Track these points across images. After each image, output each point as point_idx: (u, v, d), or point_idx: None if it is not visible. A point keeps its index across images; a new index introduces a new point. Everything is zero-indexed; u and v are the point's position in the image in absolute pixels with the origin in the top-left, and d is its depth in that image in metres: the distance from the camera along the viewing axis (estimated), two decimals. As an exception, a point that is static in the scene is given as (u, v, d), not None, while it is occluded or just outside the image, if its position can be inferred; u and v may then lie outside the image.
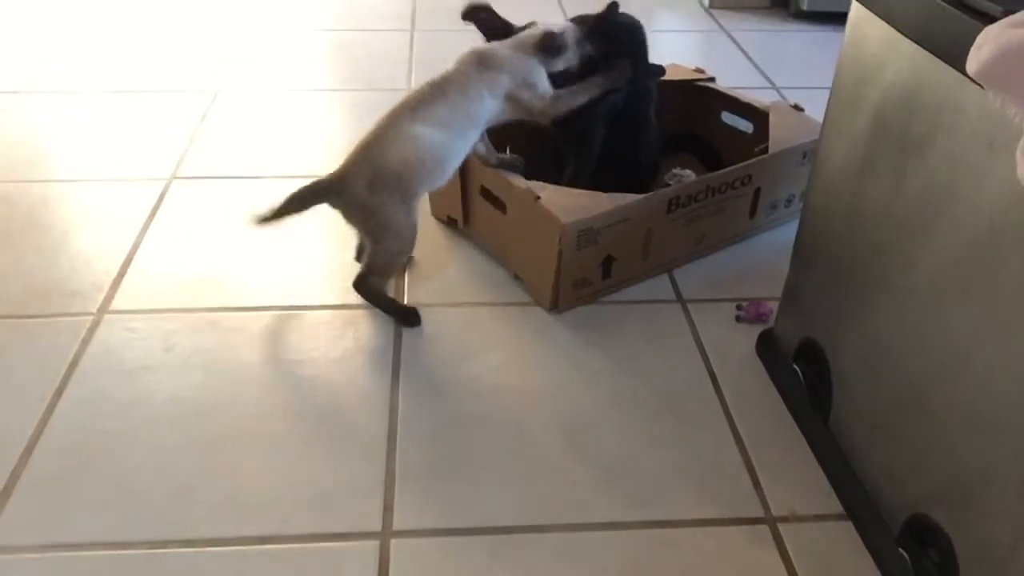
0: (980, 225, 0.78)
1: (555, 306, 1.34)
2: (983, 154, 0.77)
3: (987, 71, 0.68)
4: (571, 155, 1.44)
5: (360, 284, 1.30)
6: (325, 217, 1.45)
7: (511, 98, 1.30)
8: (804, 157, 1.48)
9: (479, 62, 1.30)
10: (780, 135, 1.48)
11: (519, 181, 1.32)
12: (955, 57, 0.77)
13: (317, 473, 1.06)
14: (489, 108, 1.29)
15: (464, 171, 1.43)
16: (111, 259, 1.43)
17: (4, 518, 0.99)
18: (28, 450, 1.08)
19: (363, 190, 1.21)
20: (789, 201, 1.54)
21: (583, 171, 1.42)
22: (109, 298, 1.35)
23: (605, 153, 1.46)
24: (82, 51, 2.30)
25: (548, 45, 1.31)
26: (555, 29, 1.33)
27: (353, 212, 1.25)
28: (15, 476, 1.04)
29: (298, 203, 1.23)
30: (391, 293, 1.36)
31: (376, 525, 1.00)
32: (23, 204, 1.60)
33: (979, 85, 0.70)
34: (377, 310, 1.33)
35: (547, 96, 1.32)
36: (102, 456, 1.08)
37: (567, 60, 1.34)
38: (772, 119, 1.53)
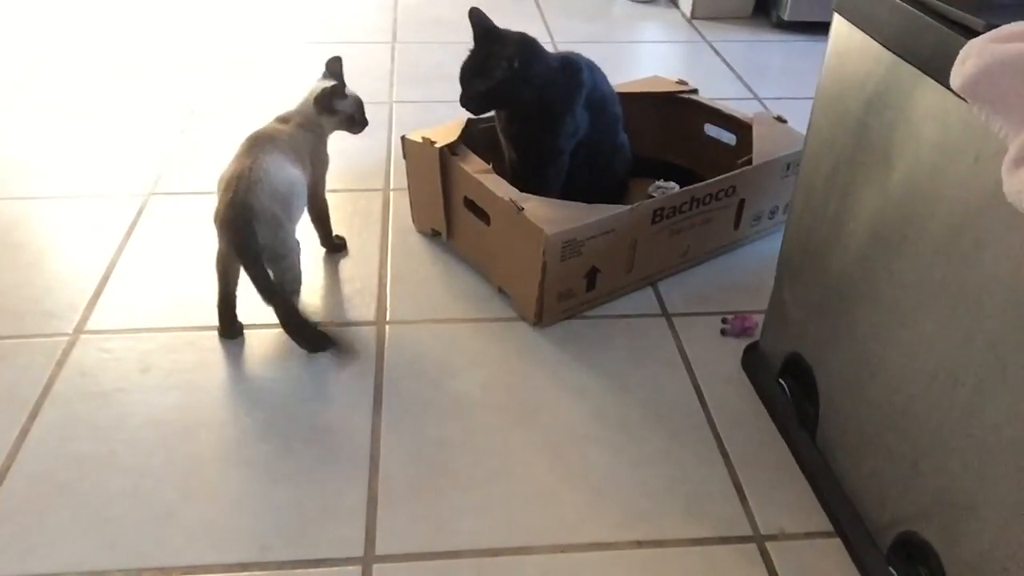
0: (966, 239, 0.77)
1: (539, 319, 1.32)
2: (968, 168, 0.76)
3: (971, 85, 0.68)
4: (531, 181, 1.41)
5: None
6: (305, 234, 1.43)
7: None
8: (788, 168, 1.48)
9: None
10: (763, 147, 1.48)
11: (503, 192, 1.31)
12: (937, 70, 0.76)
13: (298, 497, 1.04)
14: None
15: (447, 182, 1.42)
16: (87, 278, 1.41)
17: (-25, 548, 0.97)
18: (1, 476, 1.05)
19: (268, 201, 1.19)
20: (773, 212, 1.54)
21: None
22: (85, 318, 1.32)
23: (570, 177, 1.45)
24: (59, 67, 2.27)
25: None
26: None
27: (261, 229, 1.18)
28: (-13, 503, 1.02)
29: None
30: (374, 312, 1.35)
31: (358, 550, 0.98)
32: (-3, 222, 1.57)
33: (963, 99, 0.70)
34: (361, 331, 1.31)
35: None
36: (77, 481, 1.05)
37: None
38: (755, 131, 1.53)
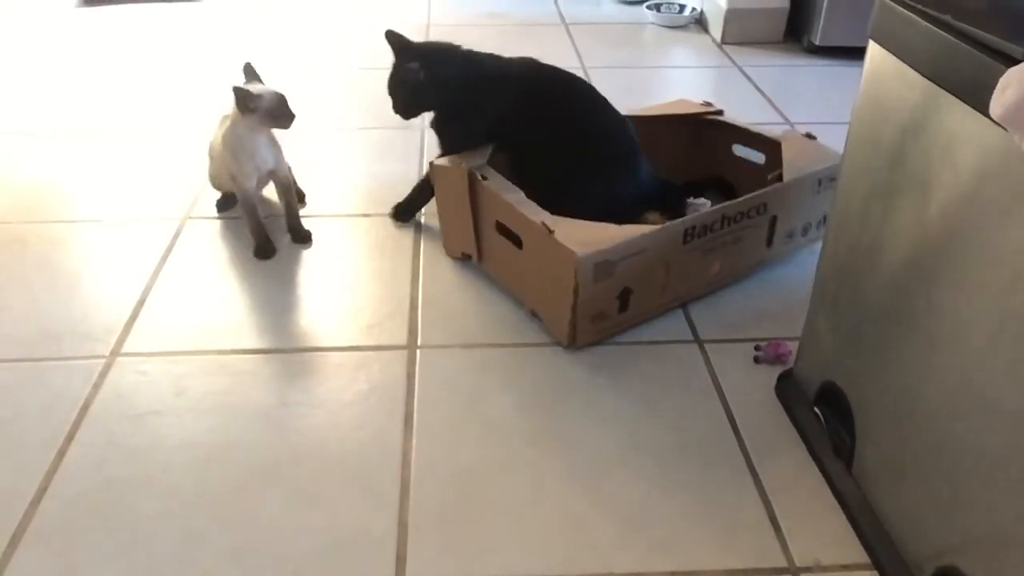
0: (1004, 268, 0.76)
1: (573, 341, 1.32)
2: (1006, 196, 0.75)
3: (1012, 114, 0.67)
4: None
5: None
6: (337, 258, 1.45)
7: None
8: (820, 185, 1.47)
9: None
10: (794, 163, 1.47)
11: (534, 215, 1.31)
12: (974, 96, 0.76)
13: (329, 521, 1.04)
14: None
15: (476, 206, 1.43)
16: (124, 301, 1.43)
17: (12, 568, 0.98)
18: (37, 497, 1.07)
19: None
20: (806, 229, 1.52)
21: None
22: (121, 341, 1.34)
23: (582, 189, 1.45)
24: (96, 91, 2.32)
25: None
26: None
27: None
28: (24, 523, 1.03)
29: None
30: (406, 336, 1.36)
31: (389, 575, 0.97)
32: (36, 245, 1.60)
33: (1003, 127, 0.69)
34: (385, 354, 1.32)
35: None
36: (112, 503, 1.06)
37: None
38: (785, 148, 1.51)
